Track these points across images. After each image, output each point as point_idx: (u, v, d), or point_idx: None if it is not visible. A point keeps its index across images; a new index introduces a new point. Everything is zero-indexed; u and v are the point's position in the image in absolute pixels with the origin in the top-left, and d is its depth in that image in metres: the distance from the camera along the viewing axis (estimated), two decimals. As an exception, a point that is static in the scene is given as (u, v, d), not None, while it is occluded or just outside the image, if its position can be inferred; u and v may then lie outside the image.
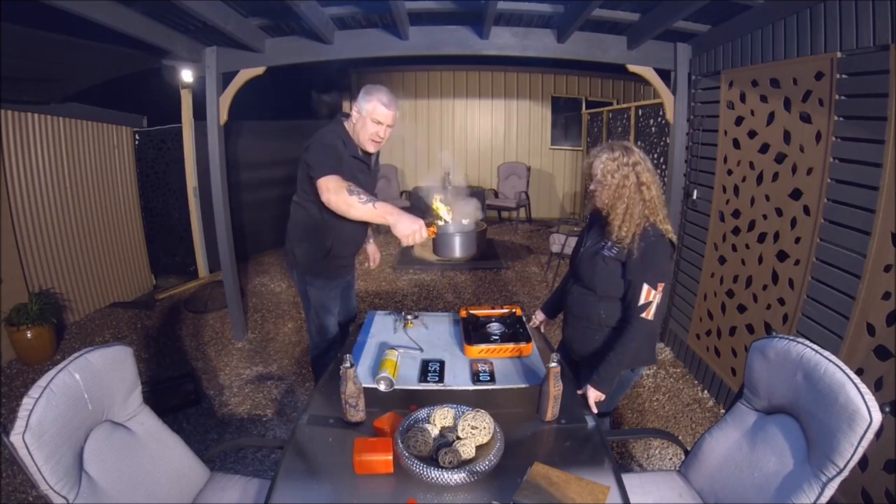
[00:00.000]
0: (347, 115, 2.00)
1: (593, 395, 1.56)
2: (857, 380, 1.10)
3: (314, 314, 2.22)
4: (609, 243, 1.57)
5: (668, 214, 1.58)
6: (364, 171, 2.04)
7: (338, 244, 2.06)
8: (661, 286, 1.49)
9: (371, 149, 1.98)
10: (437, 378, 1.61)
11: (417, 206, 6.80)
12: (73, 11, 2.01)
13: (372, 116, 1.89)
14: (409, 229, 1.70)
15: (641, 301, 1.49)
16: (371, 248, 2.45)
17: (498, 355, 1.75)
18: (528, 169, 7.43)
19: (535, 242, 6.29)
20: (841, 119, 1.87)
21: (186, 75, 3.64)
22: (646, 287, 1.48)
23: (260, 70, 3.10)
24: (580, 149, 7.56)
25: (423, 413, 1.32)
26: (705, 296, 2.92)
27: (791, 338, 1.29)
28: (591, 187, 1.57)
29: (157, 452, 1.37)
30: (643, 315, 1.50)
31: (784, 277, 2.21)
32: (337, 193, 1.75)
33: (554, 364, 1.34)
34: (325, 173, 1.78)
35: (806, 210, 2.07)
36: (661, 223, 1.52)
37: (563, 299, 1.85)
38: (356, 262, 2.47)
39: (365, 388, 1.39)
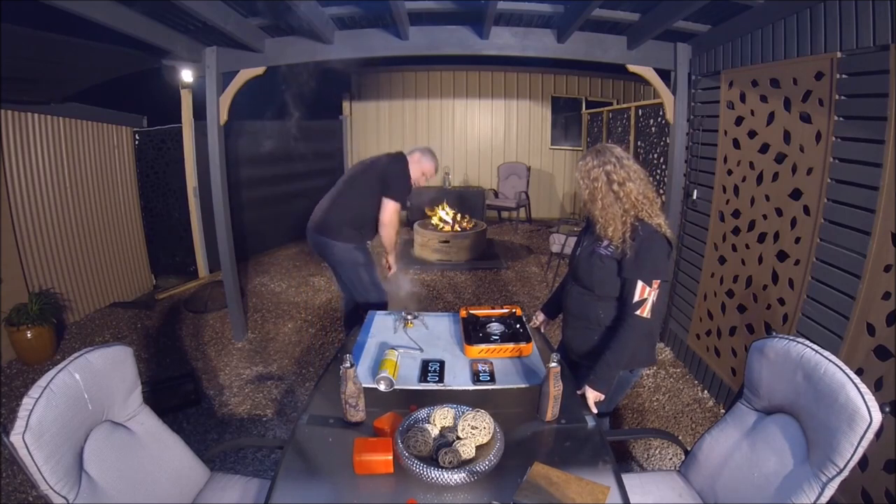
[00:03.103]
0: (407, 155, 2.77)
1: (592, 395, 1.56)
2: (857, 380, 1.10)
3: (366, 271, 2.71)
4: (605, 242, 1.58)
5: (660, 209, 1.57)
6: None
7: (373, 234, 2.78)
8: (656, 283, 1.49)
9: (414, 185, 2.80)
10: (437, 378, 1.61)
11: (417, 205, 6.81)
12: (73, 11, 2.01)
13: (424, 170, 2.77)
14: (397, 264, 2.89)
15: (636, 298, 1.49)
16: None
17: (498, 355, 1.75)
18: (528, 169, 7.43)
19: (535, 242, 6.29)
20: (841, 119, 1.87)
21: (186, 75, 3.64)
22: (640, 284, 1.48)
23: (260, 70, 3.10)
24: (580, 149, 7.56)
25: (423, 413, 1.32)
26: (705, 296, 2.92)
27: (791, 338, 1.29)
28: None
29: (157, 452, 1.37)
30: (638, 312, 1.50)
31: (784, 277, 2.21)
32: (395, 221, 2.66)
33: (554, 364, 1.34)
34: (399, 200, 2.63)
35: (806, 210, 2.07)
36: (651, 218, 1.52)
37: (562, 299, 1.85)
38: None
39: (365, 388, 1.39)
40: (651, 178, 4.58)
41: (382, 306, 2.69)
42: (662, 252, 1.52)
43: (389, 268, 2.88)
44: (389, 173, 2.62)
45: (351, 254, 2.65)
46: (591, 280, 1.62)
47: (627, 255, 1.51)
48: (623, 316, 1.54)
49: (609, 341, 1.57)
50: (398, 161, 2.69)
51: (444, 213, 5.75)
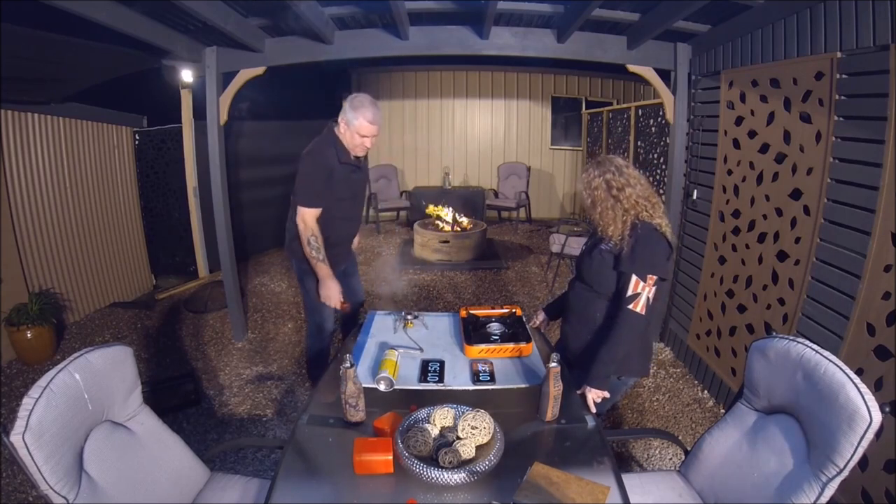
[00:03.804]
0: (337, 122, 2.16)
1: (592, 394, 1.55)
2: (857, 380, 1.10)
3: (313, 301, 2.31)
4: (607, 238, 1.61)
5: (664, 212, 1.60)
6: (355, 171, 2.25)
7: (333, 236, 2.25)
8: (651, 279, 1.49)
9: (359, 153, 2.20)
10: (437, 378, 1.61)
11: (417, 205, 6.81)
12: (73, 11, 2.00)
13: (359, 131, 2.08)
14: (328, 293, 2.16)
15: (630, 292, 1.50)
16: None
17: (498, 355, 1.75)
18: (528, 169, 7.43)
19: (535, 242, 6.29)
20: (841, 119, 1.87)
21: (186, 75, 3.64)
22: (634, 278, 1.49)
23: (260, 70, 3.10)
24: (580, 149, 7.56)
25: (423, 413, 1.32)
26: (705, 296, 2.92)
27: (791, 338, 1.29)
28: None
29: (157, 452, 1.37)
30: (631, 307, 1.50)
31: (784, 277, 2.21)
32: (305, 231, 2.11)
33: (554, 364, 1.34)
34: (306, 204, 2.10)
35: (806, 210, 2.07)
36: (652, 218, 1.55)
37: (565, 301, 1.85)
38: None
39: (365, 388, 1.39)
40: (651, 179, 4.56)
41: (318, 332, 2.43)
42: (659, 249, 1.53)
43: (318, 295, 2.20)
44: (298, 168, 2.13)
45: (299, 272, 2.32)
46: (590, 274, 1.65)
47: (625, 248, 1.53)
48: (617, 311, 1.55)
49: (604, 338, 1.57)
50: (308, 149, 2.14)
51: (447, 213, 5.77)
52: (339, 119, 2.11)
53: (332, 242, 2.24)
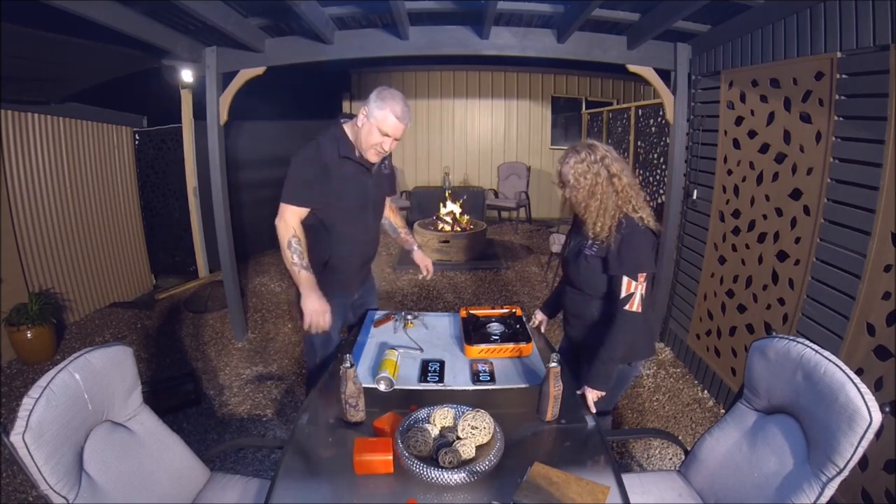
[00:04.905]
0: (350, 117, 1.84)
1: (591, 394, 1.56)
2: (857, 380, 1.10)
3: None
4: (590, 241, 1.58)
5: (645, 201, 1.58)
6: (362, 172, 1.84)
7: (337, 257, 1.88)
8: (641, 276, 1.49)
9: (372, 159, 1.79)
10: (437, 378, 1.61)
11: (417, 205, 6.81)
12: (73, 11, 2.00)
13: (381, 126, 1.68)
14: (311, 308, 1.73)
15: (623, 293, 1.50)
16: (418, 256, 2.28)
17: (498, 355, 1.75)
18: (528, 169, 7.43)
19: (535, 242, 6.29)
20: (841, 119, 1.87)
21: (186, 75, 3.64)
22: (626, 279, 1.49)
23: (260, 70, 3.10)
24: (580, 149, 7.56)
25: (423, 413, 1.32)
26: (705, 296, 2.92)
27: (791, 338, 1.29)
28: (566, 193, 1.60)
29: (157, 452, 1.37)
30: (627, 307, 1.50)
31: (784, 277, 2.21)
32: (285, 232, 1.75)
33: (554, 364, 1.34)
34: (287, 200, 1.75)
35: (806, 210, 2.07)
36: (635, 211, 1.53)
37: (560, 299, 1.86)
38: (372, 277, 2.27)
39: (365, 388, 1.39)
40: (651, 179, 4.53)
41: (314, 366, 2.01)
42: (644, 245, 1.52)
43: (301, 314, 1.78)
44: None
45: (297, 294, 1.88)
46: (578, 280, 1.64)
47: (611, 250, 1.51)
48: (614, 312, 1.55)
49: (603, 339, 1.57)
50: (305, 142, 1.82)
51: (452, 208, 5.81)
52: (360, 112, 1.73)
53: (331, 265, 1.86)
